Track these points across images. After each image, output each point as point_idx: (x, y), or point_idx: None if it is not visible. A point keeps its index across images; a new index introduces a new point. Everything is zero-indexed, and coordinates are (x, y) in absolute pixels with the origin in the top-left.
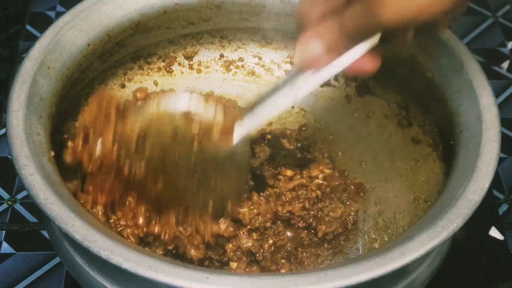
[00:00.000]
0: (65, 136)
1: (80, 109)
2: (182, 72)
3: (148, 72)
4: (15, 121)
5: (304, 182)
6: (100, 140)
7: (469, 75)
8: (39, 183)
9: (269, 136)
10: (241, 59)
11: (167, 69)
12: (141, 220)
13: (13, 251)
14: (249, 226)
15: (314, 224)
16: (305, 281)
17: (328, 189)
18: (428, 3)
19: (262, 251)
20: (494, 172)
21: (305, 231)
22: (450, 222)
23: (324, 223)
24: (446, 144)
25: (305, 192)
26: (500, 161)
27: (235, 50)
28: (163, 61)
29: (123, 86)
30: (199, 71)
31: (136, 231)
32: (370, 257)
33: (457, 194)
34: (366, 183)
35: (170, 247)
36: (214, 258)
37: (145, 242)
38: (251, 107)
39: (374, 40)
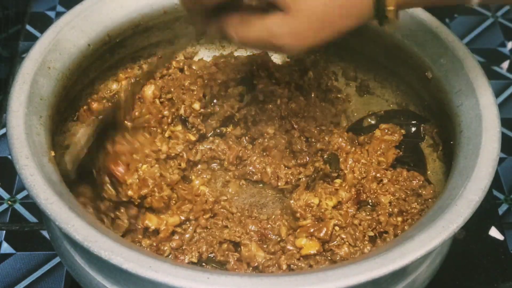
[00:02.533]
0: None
1: (80, 109)
2: None
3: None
4: (15, 121)
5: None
6: None
7: (469, 75)
8: (39, 183)
9: None
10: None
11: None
12: None
13: (13, 251)
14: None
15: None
16: (305, 281)
17: None
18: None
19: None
20: (494, 172)
21: None
22: (450, 222)
23: None
24: (446, 144)
25: None
26: (500, 161)
27: (235, 50)
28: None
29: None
30: None
31: None
32: (370, 257)
33: (457, 194)
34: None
35: None
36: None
37: None
38: None
39: None
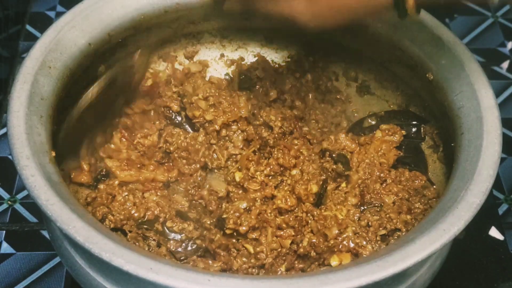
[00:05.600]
0: None
1: None
2: None
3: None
4: (16, 121)
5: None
6: None
7: (470, 77)
8: (40, 184)
9: None
10: (241, 59)
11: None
12: None
13: (13, 251)
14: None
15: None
16: (307, 284)
17: None
18: None
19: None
20: (495, 175)
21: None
22: (452, 225)
23: None
24: (447, 145)
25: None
26: (500, 161)
27: (236, 49)
28: (164, 60)
29: None
30: None
31: None
32: (372, 260)
33: (458, 197)
34: None
35: None
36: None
37: None
38: None
39: None
